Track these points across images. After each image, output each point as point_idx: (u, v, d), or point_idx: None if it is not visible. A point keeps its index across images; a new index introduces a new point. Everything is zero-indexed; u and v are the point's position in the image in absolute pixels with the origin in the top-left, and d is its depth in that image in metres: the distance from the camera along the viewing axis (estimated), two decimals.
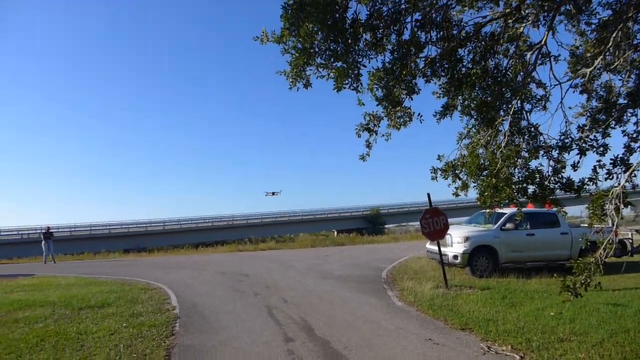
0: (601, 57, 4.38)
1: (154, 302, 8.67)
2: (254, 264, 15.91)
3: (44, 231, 22.14)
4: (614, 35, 4.35)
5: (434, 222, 9.61)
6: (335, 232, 52.27)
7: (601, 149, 4.65)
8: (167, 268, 15.64)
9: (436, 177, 5.58)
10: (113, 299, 8.83)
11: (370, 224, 56.26)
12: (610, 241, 4.09)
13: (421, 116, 5.27)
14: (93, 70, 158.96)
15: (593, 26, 4.79)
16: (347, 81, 4.41)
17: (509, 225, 11.25)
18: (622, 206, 4.04)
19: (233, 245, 31.10)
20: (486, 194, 4.92)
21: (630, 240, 12.15)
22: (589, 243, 4.38)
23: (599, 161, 4.44)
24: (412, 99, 5.06)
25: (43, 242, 21.39)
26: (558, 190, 4.92)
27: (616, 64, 4.55)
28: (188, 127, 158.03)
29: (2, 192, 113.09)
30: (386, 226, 59.02)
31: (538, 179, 4.84)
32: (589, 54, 4.79)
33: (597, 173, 4.48)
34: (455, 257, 10.95)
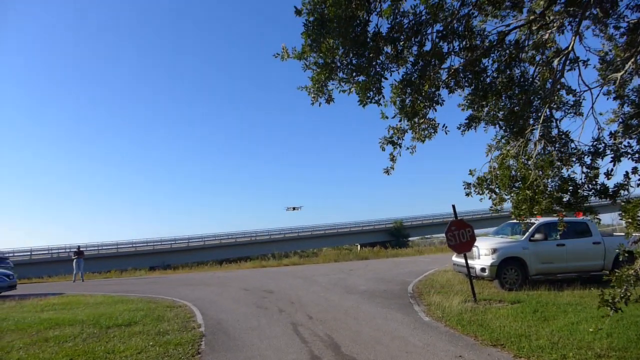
0: (632, 60, 4.24)
1: (179, 319, 8.70)
2: (278, 279, 15.87)
3: (75, 250, 22.63)
4: None
5: (460, 234, 9.42)
6: (359, 246, 51.94)
7: (637, 155, 4.48)
8: (191, 285, 15.74)
9: (470, 193, 5.47)
10: (140, 317, 8.90)
11: (394, 237, 55.69)
12: None
13: (446, 127, 5.20)
14: (118, 91, 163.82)
15: (622, 30, 4.65)
16: (369, 94, 4.39)
17: (538, 236, 10.93)
18: None
19: (256, 261, 31.19)
20: (523, 206, 4.78)
21: None
22: (626, 254, 4.19)
23: (635, 168, 4.27)
24: (435, 110, 4.99)
25: (75, 260, 21.85)
26: (592, 197, 4.75)
27: None
28: (209, 142, 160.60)
29: (29, 211, 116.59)
30: (410, 239, 58.35)
31: (571, 187, 4.68)
32: (618, 59, 4.65)
33: (630, 179, 4.32)
34: (483, 269, 10.69)
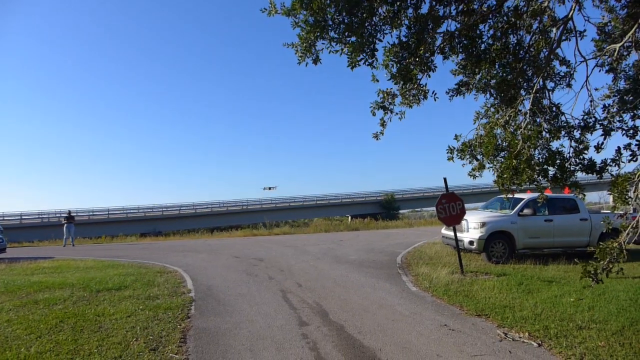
0: (631, 32, 4.17)
1: (169, 285, 8.77)
2: (268, 248, 16.00)
3: (65, 215, 22.54)
4: None
5: (450, 207, 9.49)
6: (350, 218, 52.33)
7: (631, 131, 4.46)
8: (182, 252, 15.82)
9: (452, 158, 5.42)
10: (130, 282, 8.95)
11: (385, 209, 56.16)
12: (634, 225, 3.94)
13: (435, 94, 5.11)
14: (112, 58, 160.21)
15: (623, 1, 4.55)
16: (361, 57, 4.28)
17: (526, 211, 11.05)
18: None
19: (247, 229, 31.35)
20: (505, 176, 4.76)
21: None
22: (611, 228, 4.24)
23: (629, 144, 4.26)
24: (429, 76, 4.90)
25: (65, 225, 21.81)
26: (579, 172, 4.76)
27: None
28: (203, 114, 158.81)
29: (23, 177, 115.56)
30: (400, 211, 58.89)
31: (559, 161, 4.67)
32: (617, 31, 4.57)
33: (621, 154, 4.32)
34: (471, 242, 10.83)
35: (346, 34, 4.23)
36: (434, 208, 9.86)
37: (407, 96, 5.13)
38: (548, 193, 11.32)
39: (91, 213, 46.64)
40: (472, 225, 10.97)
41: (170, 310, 6.62)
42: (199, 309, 6.82)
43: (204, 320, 6.19)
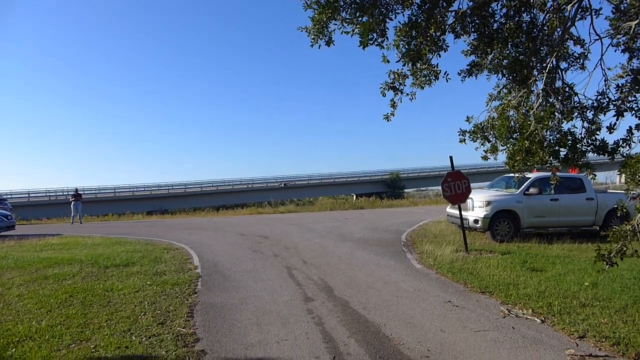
0: None
1: (176, 261, 8.88)
2: (274, 226, 16.11)
3: (72, 193, 22.71)
4: None
5: (455, 185, 9.47)
6: (355, 196, 52.41)
7: None
8: (188, 229, 15.97)
9: (464, 140, 5.36)
10: (137, 258, 9.07)
11: (390, 188, 56.18)
12: None
13: (447, 74, 5.04)
14: (119, 40, 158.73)
15: None
16: (372, 36, 4.22)
17: (532, 190, 11.00)
18: None
19: (253, 208, 31.55)
20: (518, 157, 4.71)
21: None
22: (625, 210, 4.22)
23: (638, 125, 4.20)
24: (439, 56, 4.82)
25: (72, 203, 22.01)
26: (590, 153, 4.70)
27: None
28: (208, 94, 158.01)
29: (31, 156, 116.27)
30: (405, 190, 58.87)
31: (570, 142, 4.61)
32: (633, 9, 4.45)
33: (632, 134, 4.26)
34: (476, 221, 10.83)
35: (357, 14, 4.16)
36: (439, 187, 9.86)
37: (418, 77, 5.06)
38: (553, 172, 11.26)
39: (98, 191, 47.02)
40: (478, 204, 10.96)
41: (177, 286, 6.72)
42: (206, 285, 6.91)
43: (211, 296, 6.28)
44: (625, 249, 3.91)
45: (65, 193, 41.97)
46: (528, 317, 5.13)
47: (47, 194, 44.49)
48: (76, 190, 23.10)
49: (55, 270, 7.98)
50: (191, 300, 6.03)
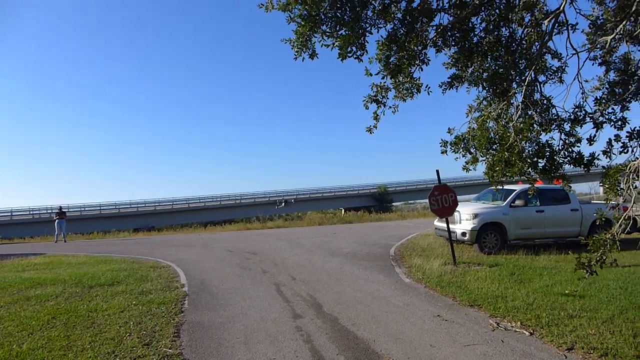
0: (622, 24, 4.18)
1: (163, 279, 8.74)
2: (262, 242, 15.99)
3: (56, 211, 22.35)
4: (637, 2, 4.13)
5: (442, 199, 9.53)
6: (343, 210, 52.41)
7: (619, 122, 4.49)
8: (175, 246, 15.78)
9: (446, 151, 5.43)
10: (123, 277, 8.91)
11: (378, 202, 56.40)
12: (627, 217, 3.97)
13: (429, 87, 5.11)
14: (103, 55, 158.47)
15: None
16: (351, 49, 4.28)
17: (518, 202, 11.13)
18: (639, 181, 3.91)
19: (241, 223, 31.30)
20: (497, 168, 4.79)
21: None
22: (603, 219, 4.27)
23: (617, 136, 4.29)
24: (422, 70, 4.90)
25: (56, 221, 21.63)
26: (567, 165, 4.80)
27: (637, 32, 4.33)
28: (188, 108, 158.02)
29: (13, 172, 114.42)
30: (394, 204, 59.16)
31: (548, 153, 4.70)
32: (609, 24, 4.58)
33: (612, 146, 4.35)
34: (464, 234, 10.89)
35: (337, 27, 4.22)
36: (427, 200, 9.90)
37: (401, 90, 5.13)
38: (539, 184, 11.42)
39: (83, 209, 46.26)
40: (465, 217, 11.03)
41: (163, 305, 6.60)
42: (193, 303, 6.81)
43: (198, 315, 6.18)
44: (605, 257, 3.96)
45: (49, 211, 41.26)
46: (517, 329, 5.14)
47: (31, 212, 43.67)
48: (60, 208, 22.75)
49: (37, 291, 7.79)
50: (178, 319, 5.92)
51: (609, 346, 4.47)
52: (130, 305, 6.64)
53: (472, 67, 5.18)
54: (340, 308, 6.30)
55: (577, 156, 4.69)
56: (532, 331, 5.05)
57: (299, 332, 5.24)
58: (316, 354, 4.52)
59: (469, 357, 4.37)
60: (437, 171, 10.00)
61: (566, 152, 4.77)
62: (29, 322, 5.87)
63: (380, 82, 4.91)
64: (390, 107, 5.13)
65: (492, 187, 5.61)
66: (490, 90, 5.17)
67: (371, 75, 4.67)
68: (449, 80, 5.31)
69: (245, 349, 4.74)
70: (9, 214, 42.85)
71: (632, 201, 3.99)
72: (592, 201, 14.31)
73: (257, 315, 6.07)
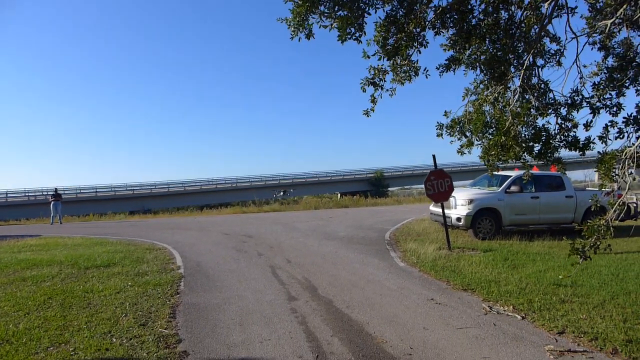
0: (622, 8, 4.15)
1: (158, 261, 8.77)
2: (258, 225, 16.04)
3: (52, 193, 22.28)
4: None
5: (438, 184, 9.55)
6: (339, 195, 52.54)
7: (614, 108, 4.48)
8: (171, 229, 15.80)
9: (442, 134, 5.41)
10: (119, 259, 8.93)
11: (374, 186, 56.50)
12: (621, 203, 3.99)
13: (427, 71, 5.07)
14: (102, 36, 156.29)
15: None
16: (350, 30, 4.23)
17: (513, 188, 11.17)
18: (634, 167, 3.92)
19: (237, 207, 31.33)
20: (492, 152, 4.78)
21: (635, 204, 12.09)
22: (598, 205, 4.29)
23: (611, 121, 4.29)
24: (420, 52, 4.85)
25: (52, 203, 21.59)
26: (563, 149, 4.81)
27: (637, 16, 4.29)
28: (191, 93, 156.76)
29: (8, 154, 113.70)
30: (389, 189, 59.29)
31: (544, 137, 4.69)
32: (608, 8, 4.54)
33: (608, 132, 4.34)
34: (459, 219, 10.95)
35: (335, 8, 4.16)
36: (423, 186, 9.92)
37: (399, 72, 5.07)
38: (535, 171, 11.46)
39: (78, 191, 46.12)
40: (460, 202, 11.07)
41: (159, 287, 6.64)
42: (188, 285, 6.85)
43: (194, 296, 6.22)
44: (598, 243, 3.99)
45: (44, 193, 41.10)
46: (509, 313, 5.20)
47: (26, 194, 43.52)
48: (56, 190, 22.70)
49: (33, 272, 7.81)
50: (173, 300, 5.96)
51: (599, 330, 4.54)
52: (126, 286, 6.67)
53: (470, 50, 5.13)
54: (335, 291, 6.35)
55: (573, 140, 4.69)
56: (524, 315, 5.12)
57: (294, 314, 5.29)
58: (310, 335, 4.57)
59: (461, 340, 4.43)
60: (434, 156, 9.99)
61: (562, 137, 4.76)
62: (25, 302, 5.90)
63: (378, 65, 4.87)
64: (387, 90, 5.08)
65: (488, 173, 5.61)
66: (488, 73, 5.13)
67: (369, 57, 4.62)
68: (447, 62, 5.25)
69: (240, 330, 4.79)
70: (4, 195, 42.68)
71: (627, 188, 4.01)
72: (587, 188, 14.40)
73: (253, 297, 6.11)
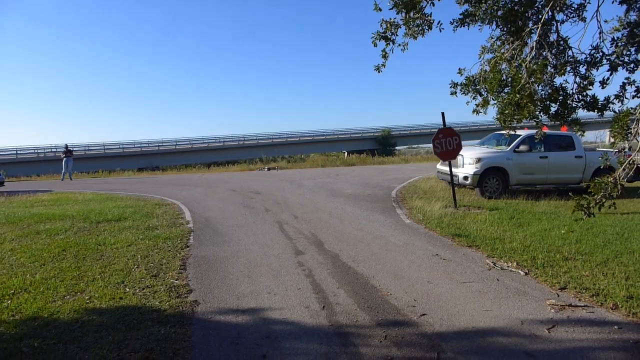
0: None
1: (168, 216, 8.93)
2: (265, 182, 16.15)
3: (63, 149, 22.42)
4: None
5: (446, 142, 9.48)
6: (346, 153, 52.46)
7: (632, 65, 4.34)
8: (180, 185, 15.97)
9: (456, 93, 5.29)
10: (129, 213, 9.10)
11: (381, 145, 56.24)
12: (631, 161, 3.94)
13: (441, 24, 4.91)
14: None
15: None
16: None
17: (522, 148, 11.06)
18: None
19: (244, 164, 31.47)
20: (507, 111, 4.69)
21: None
22: (608, 164, 4.24)
23: (627, 78, 4.16)
24: (433, 5, 4.69)
25: (64, 159, 21.77)
26: (581, 110, 4.70)
27: None
28: (199, 50, 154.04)
29: (19, 112, 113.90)
30: (397, 148, 59.03)
31: (561, 97, 4.58)
32: None
33: (625, 90, 4.23)
34: (466, 177, 10.93)
35: None
36: (430, 145, 9.85)
37: (411, 26, 4.92)
38: (545, 130, 11.29)
39: (87, 148, 46.37)
40: (468, 161, 11.02)
41: (169, 240, 6.79)
42: (198, 239, 6.99)
43: (203, 249, 6.37)
44: (604, 200, 3.98)
45: (54, 150, 41.40)
46: (512, 269, 5.29)
47: (36, 151, 43.79)
48: (66, 146, 22.80)
49: (47, 226, 8.00)
50: (183, 253, 6.12)
51: (600, 287, 4.61)
52: (137, 239, 6.83)
53: (487, 4, 4.94)
54: (341, 245, 6.47)
55: (592, 100, 4.58)
56: (527, 271, 5.20)
57: (301, 267, 5.42)
58: (317, 287, 4.70)
59: (465, 293, 4.53)
60: (443, 114, 9.85)
61: (580, 96, 4.64)
62: (41, 254, 6.08)
63: (391, 19, 4.72)
64: (399, 44, 4.95)
65: (503, 132, 5.51)
66: (505, 28, 4.95)
67: (380, 10, 4.47)
68: (461, 17, 5.07)
69: (248, 282, 4.93)
70: (15, 152, 42.99)
71: (638, 148, 3.95)
72: (597, 149, 14.22)
73: (260, 251, 6.25)
